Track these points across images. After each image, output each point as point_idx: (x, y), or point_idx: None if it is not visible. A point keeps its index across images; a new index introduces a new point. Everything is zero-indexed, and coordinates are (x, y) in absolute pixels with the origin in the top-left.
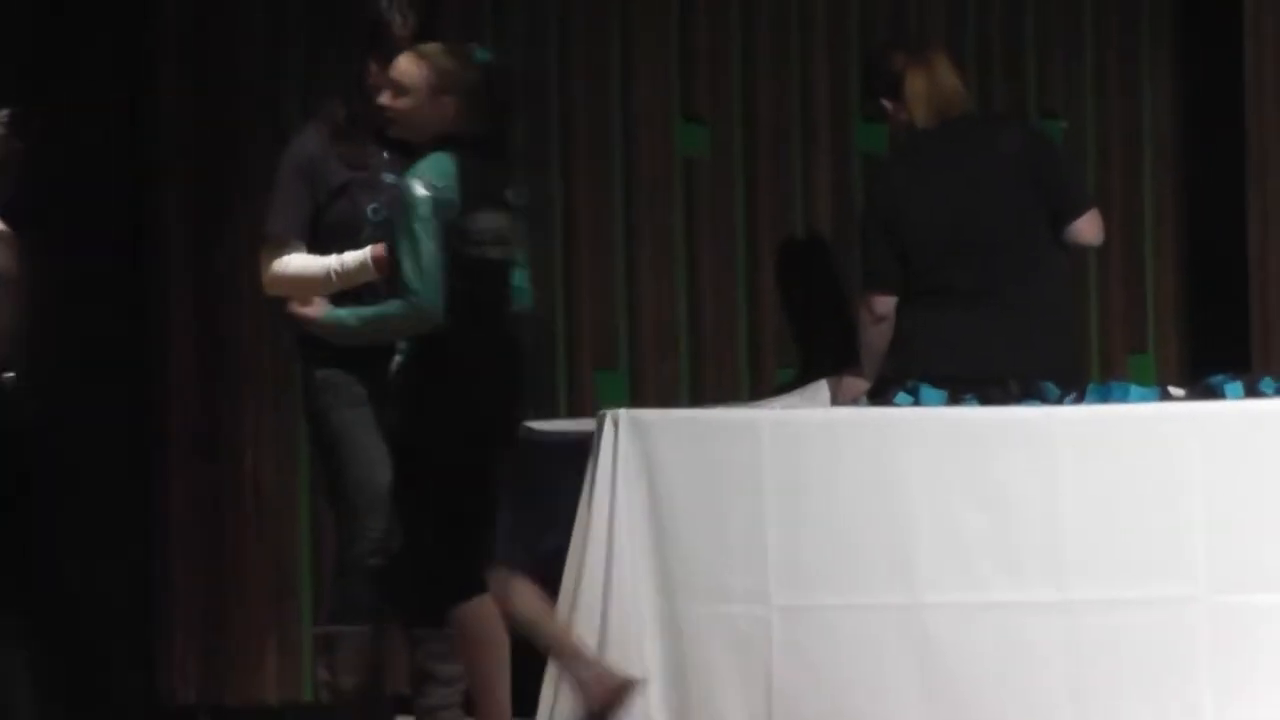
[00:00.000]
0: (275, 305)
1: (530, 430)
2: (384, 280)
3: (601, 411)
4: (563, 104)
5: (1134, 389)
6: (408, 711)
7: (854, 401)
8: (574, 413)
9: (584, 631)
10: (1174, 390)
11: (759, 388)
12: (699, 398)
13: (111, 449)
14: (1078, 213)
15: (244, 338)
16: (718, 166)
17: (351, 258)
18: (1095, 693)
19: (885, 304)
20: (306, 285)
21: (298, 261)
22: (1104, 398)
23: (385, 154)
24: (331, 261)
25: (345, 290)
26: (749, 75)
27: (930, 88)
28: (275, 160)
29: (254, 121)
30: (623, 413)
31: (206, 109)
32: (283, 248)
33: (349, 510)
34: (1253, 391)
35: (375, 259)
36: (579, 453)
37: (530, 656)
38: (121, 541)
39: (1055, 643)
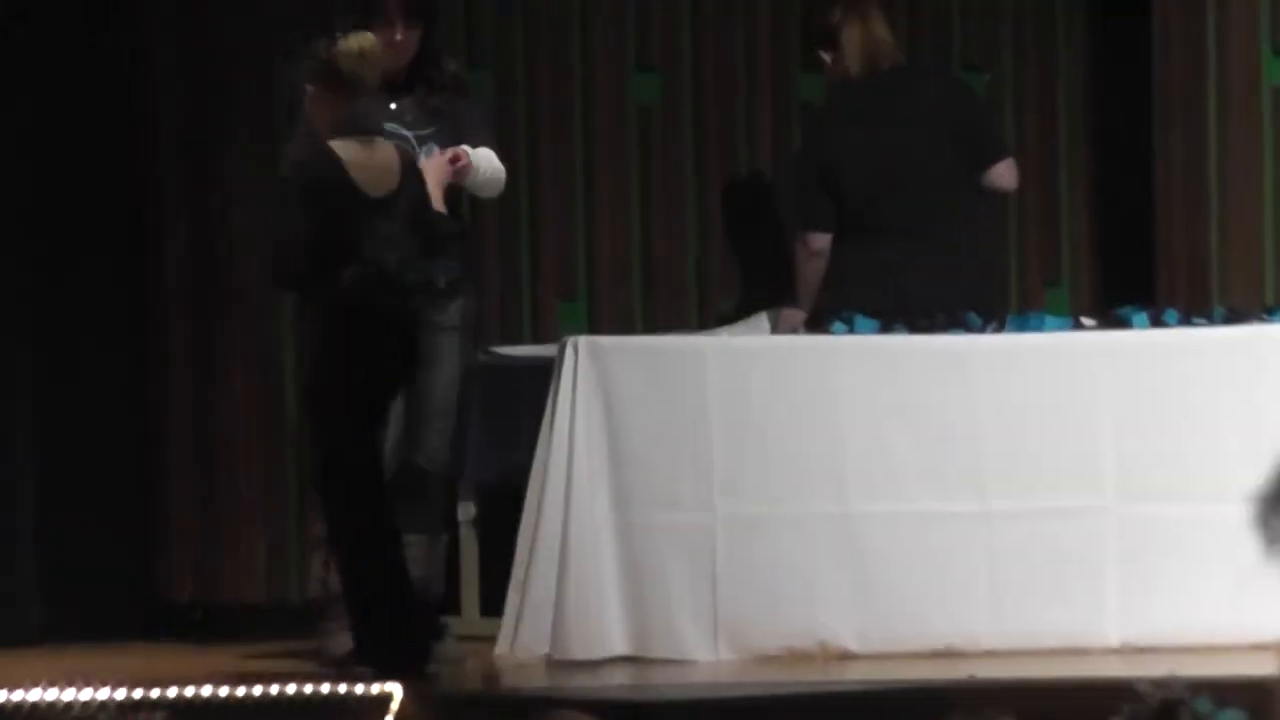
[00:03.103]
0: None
1: (499, 355)
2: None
3: (563, 338)
4: (526, 56)
5: (1049, 319)
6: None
7: (792, 330)
8: (538, 339)
9: (547, 539)
10: (1086, 320)
11: (706, 317)
12: (652, 326)
13: (109, 371)
14: (995, 159)
15: (233, 273)
16: (669, 113)
17: None
18: (1012, 594)
19: (820, 241)
20: None
21: None
22: (1022, 327)
23: (392, 105)
24: None
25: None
26: (698, 28)
27: (865, 39)
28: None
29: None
30: (582, 339)
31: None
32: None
33: None
34: (1157, 322)
35: None
36: (543, 375)
37: (499, 561)
38: (120, 451)
39: (975, 548)
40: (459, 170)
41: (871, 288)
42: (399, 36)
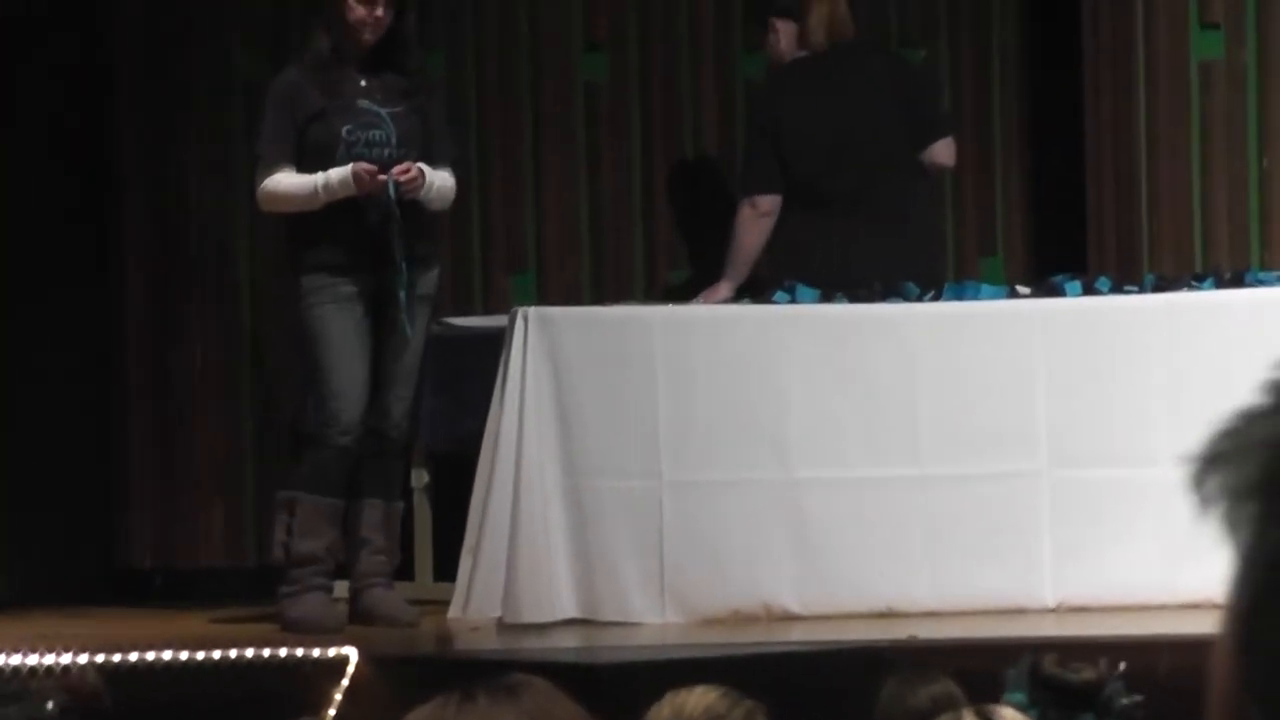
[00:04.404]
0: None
1: (452, 326)
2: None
3: (514, 309)
4: (475, 34)
5: (985, 287)
6: (344, 577)
7: (720, 302)
8: (490, 310)
9: (498, 505)
10: (1020, 288)
11: (653, 290)
12: (600, 297)
13: (74, 347)
14: (936, 137)
15: (193, 254)
16: (616, 91)
17: (336, 174)
18: (950, 557)
19: (769, 202)
20: (296, 200)
21: (287, 180)
22: (959, 295)
23: (362, 81)
24: (318, 179)
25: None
26: (644, 7)
27: (832, 12)
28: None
29: (205, 37)
30: (532, 310)
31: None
32: (272, 169)
33: (323, 394)
34: (1090, 289)
35: (356, 175)
36: (494, 346)
37: (452, 527)
38: (84, 424)
39: (914, 513)
40: (408, 183)
41: (816, 258)
42: (380, 13)
